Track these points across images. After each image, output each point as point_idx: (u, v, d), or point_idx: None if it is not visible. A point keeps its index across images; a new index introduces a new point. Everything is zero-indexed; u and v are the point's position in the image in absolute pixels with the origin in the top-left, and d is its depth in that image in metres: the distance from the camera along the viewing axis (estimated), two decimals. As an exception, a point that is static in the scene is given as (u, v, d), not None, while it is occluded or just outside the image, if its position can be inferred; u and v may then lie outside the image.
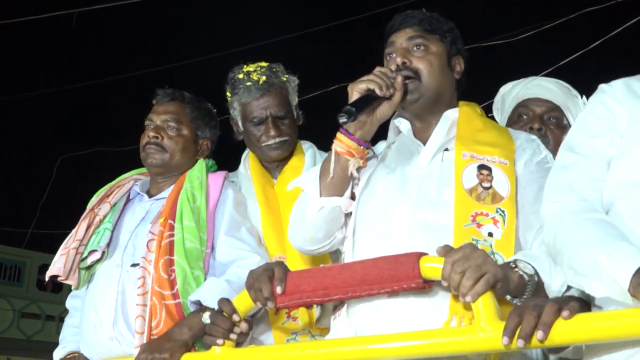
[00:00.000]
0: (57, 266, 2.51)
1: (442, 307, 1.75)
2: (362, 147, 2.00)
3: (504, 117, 2.56)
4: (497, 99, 2.63)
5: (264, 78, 2.60)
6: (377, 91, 1.95)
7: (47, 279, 2.56)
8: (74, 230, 2.60)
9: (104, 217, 2.60)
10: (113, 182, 2.76)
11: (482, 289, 1.59)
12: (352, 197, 2.06)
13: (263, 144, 2.61)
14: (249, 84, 2.60)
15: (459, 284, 1.61)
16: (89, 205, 2.68)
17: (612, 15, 6.29)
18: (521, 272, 1.70)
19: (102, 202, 2.65)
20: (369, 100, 1.95)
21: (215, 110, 2.81)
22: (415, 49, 2.09)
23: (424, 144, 2.08)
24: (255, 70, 2.63)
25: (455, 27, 2.19)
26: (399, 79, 2.00)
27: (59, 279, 2.51)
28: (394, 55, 2.10)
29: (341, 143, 2.00)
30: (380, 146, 2.17)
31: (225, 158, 2.87)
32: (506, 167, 1.96)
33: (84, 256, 2.53)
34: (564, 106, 2.45)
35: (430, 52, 2.09)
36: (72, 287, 2.61)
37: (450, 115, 2.11)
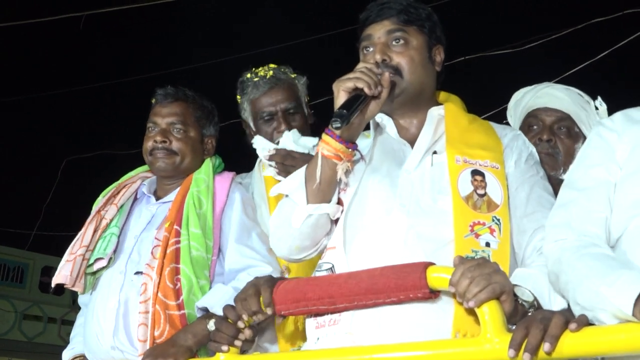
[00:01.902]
0: (63, 274, 2.48)
1: (445, 319, 1.73)
2: (350, 149, 1.91)
3: (516, 125, 2.54)
4: (510, 106, 2.61)
5: (271, 73, 2.63)
6: (366, 90, 1.85)
7: (52, 286, 2.53)
8: (79, 234, 2.57)
9: (111, 220, 2.57)
10: (119, 181, 2.72)
11: (485, 295, 1.57)
12: (339, 202, 1.98)
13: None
14: (256, 79, 2.63)
15: (466, 290, 1.59)
16: (95, 207, 2.64)
17: (619, 27, 6.28)
18: (521, 301, 1.69)
19: (109, 204, 2.62)
20: (358, 101, 1.84)
21: (213, 105, 2.77)
22: (394, 43, 2.01)
23: (409, 142, 2.02)
24: (262, 69, 2.66)
25: (432, 13, 2.10)
26: (386, 75, 1.92)
27: (65, 286, 2.48)
28: (372, 49, 2.02)
29: (328, 146, 1.90)
30: (362, 142, 2.03)
31: (239, 160, 2.87)
32: (498, 171, 1.93)
33: (90, 262, 2.50)
34: (575, 114, 2.43)
35: (411, 46, 2.01)
36: (79, 293, 2.58)
37: (435, 113, 2.05)
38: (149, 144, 2.61)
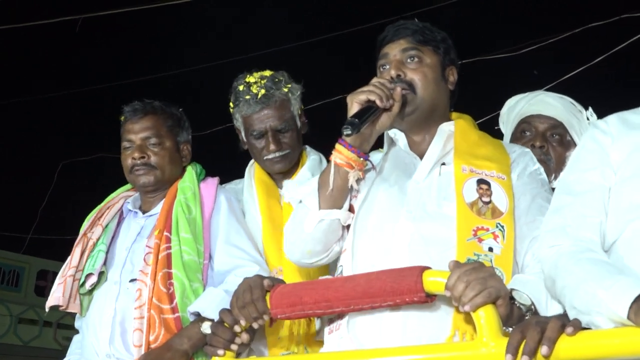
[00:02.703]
0: (56, 296, 2.49)
1: (445, 322, 1.75)
2: (361, 158, 1.98)
3: (508, 132, 2.56)
4: (503, 112, 2.63)
5: (262, 91, 2.58)
6: (378, 102, 1.92)
7: (47, 309, 2.53)
8: (68, 258, 2.58)
9: (97, 239, 2.58)
10: (102, 204, 2.74)
11: (481, 300, 1.58)
12: (350, 209, 2.04)
13: (265, 158, 2.61)
14: (247, 97, 2.59)
15: (462, 294, 1.60)
16: (81, 230, 2.66)
17: (616, 31, 6.30)
18: (518, 304, 1.71)
19: (94, 225, 2.63)
20: (370, 112, 1.92)
21: (181, 110, 2.77)
22: (409, 60, 2.08)
23: (420, 156, 2.08)
24: (256, 82, 2.61)
25: (448, 37, 2.18)
26: (398, 89, 1.99)
27: (60, 308, 2.49)
28: (388, 67, 2.10)
29: (340, 155, 1.98)
30: (375, 157, 2.14)
31: (232, 166, 2.86)
32: (504, 181, 1.97)
33: (81, 282, 2.51)
34: (567, 122, 2.45)
35: (425, 63, 2.09)
36: (77, 315, 2.57)
37: (446, 128, 2.10)
38: (128, 162, 2.62)
